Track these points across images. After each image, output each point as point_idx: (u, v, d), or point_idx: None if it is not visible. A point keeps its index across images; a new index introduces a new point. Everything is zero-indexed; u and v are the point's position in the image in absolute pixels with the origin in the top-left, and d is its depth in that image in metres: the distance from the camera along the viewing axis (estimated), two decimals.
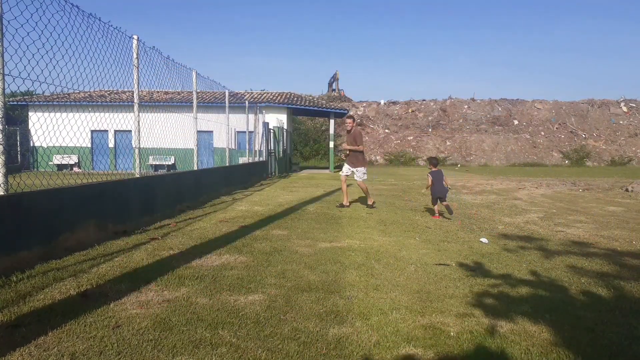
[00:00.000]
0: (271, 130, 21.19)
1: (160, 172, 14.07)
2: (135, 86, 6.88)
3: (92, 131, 20.68)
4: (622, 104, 40.44)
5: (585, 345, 2.84)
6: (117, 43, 6.40)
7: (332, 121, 26.17)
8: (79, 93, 20.47)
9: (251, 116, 16.87)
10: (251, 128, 16.95)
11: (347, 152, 9.53)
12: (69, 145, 18.74)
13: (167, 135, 8.84)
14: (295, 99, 26.60)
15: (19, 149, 21.73)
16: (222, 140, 14.38)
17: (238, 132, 16.50)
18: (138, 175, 7.11)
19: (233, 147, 15.62)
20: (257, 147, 18.05)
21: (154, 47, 7.59)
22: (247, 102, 16.35)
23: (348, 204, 9.27)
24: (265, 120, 20.47)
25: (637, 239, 6.21)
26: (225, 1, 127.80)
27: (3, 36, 4.26)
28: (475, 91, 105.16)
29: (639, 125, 38.64)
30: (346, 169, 9.50)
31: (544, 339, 2.89)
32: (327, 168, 27.18)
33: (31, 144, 20.57)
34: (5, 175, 4.37)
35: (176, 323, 3.10)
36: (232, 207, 9.10)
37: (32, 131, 17.99)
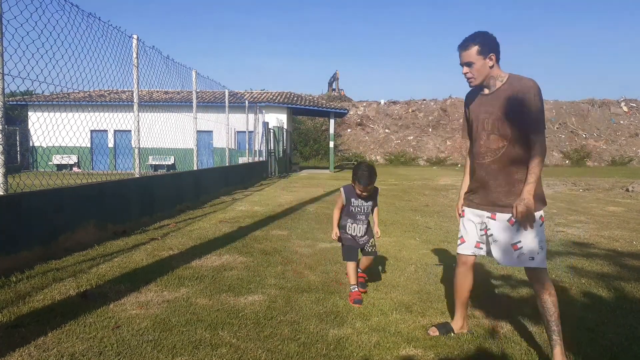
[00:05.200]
0: (271, 130, 21.18)
1: (160, 172, 14.08)
2: (135, 86, 6.88)
3: (92, 131, 20.68)
4: (623, 104, 40.44)
5: (585, 345, 2.84)
6: (117, 42, 6.40)
7: (332, 121, 26.15)
8: (78, 93, 20.46)
9: (251, 116, 16.87)
10: (251, 128, 16.94)
11: None
12: (68, 145, 18.74)
13: (166, 135, 8.84)
14: (295, 98, 26.60)
15: (18, 149, 21.72)
16: (221, 140, 14.38)
17: (238, 132, 16.51)
18: (138, 175, 7.11)
19: (233, 147, 15.62)
20: (256, 147, 18.05)
21: (153, 46, 7.60)
22: (247, 101, 16.35)
23: None
24: (265, 120, 20.47)
25: (637, 239, 6.20)
26: (226, 1, 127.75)
27: (3, 36, 4.25)
28: None
29: (639, 125, 38.63)
30: None
31: (545, 339, 2.88)
32: (327, 168, 27.17)
33: (31, 144, 20.56)
34: (5, 175, 4.37)
35: (176, 324, 3.09)
36: (232, 207, 9.09)
37: (32, 131, 17.99)
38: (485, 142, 2.74)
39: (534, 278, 2.69)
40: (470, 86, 2.83)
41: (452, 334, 3.00)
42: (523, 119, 2.61)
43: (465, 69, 2.74)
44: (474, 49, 2.68)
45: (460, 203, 3.02)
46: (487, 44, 2.68)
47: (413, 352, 2.75)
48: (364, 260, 3.85)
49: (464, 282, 2.96)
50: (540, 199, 2.68)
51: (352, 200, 3.66)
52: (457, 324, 3.04)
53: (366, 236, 3.77)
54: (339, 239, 3.77)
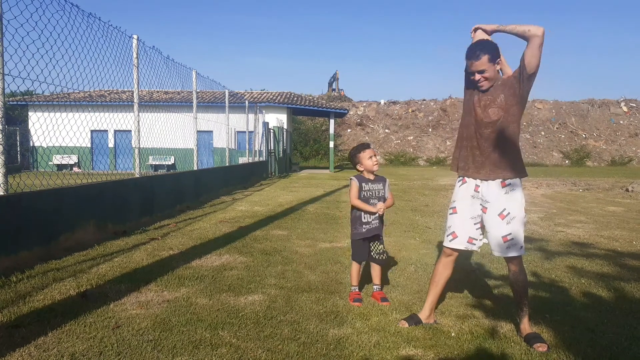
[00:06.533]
0: (271, 130, 21.19)
1: (160, 172, 14.08)
2: (135, 86, 6.88)
3: (92, 131, 20.67)
4: (622, 104, 40.43)
5: (585, 345, 2.84)
6: (117, 43, 6.41)
7: (332, 121, 26.15)
8: (78, 93, 20.46)
9: (251, 116, 16.87)
10: (251, 128, 16.94)
11: None
12: (68, 145, 18.76)
13: (167, 135, 8.85)
14: (295, 98, 26.60)
15: (18, 149, 21.72)
16: (222, 140, 14.38)
17: (238, 132, 16.50)
18: (138, 175, 7.11)
19: (233, 147, 15.62)
20: (257, 147, 18.05)
21: (153, 46, 7.61)
22: (247, 102, 16.34)
23: None
24: (265, 120, 20.47)
25: (637, 239, 6.20)
26: (226, 1, 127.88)
27: (3, 36, 4.25)
28: None
29: (639, 125, 38.63)
30: None
31: (544, 339, 2.88)
32: (327, 168, 27.17)
33: (31, 144, 20.57)
34: (5, 175, 4.37)
35: (176, 323, 3.09)
36: (232, 207, 9.10)
37: (32, 131, 17.98)
38: (486, 117, 2.95)
39: (515, 262, 2.98)
40: (481, 90, 2.97)
41: (438, 325, 3.14)
42: (519, 84, 2.88)
43: (478, 76, 2.91)
44: (485, 57, 2.86)
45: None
46: (495, 51, 2.90)
47: (413, 352, 2.75)
48: (374, 272, 3.73)
49: (444, 271, 3.16)
50: (520, 170, 2.97)
51: (363, 185, 3.63)
52: (424, 313, 3.17)
53: (379, 222, 3.66)
54: (353, 233, 3.69)
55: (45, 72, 4.79)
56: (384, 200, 3.68)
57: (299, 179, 18.64)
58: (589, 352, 2.75)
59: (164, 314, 3.25)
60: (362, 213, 3.63)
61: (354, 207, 3.69)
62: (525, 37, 2.78)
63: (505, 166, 2.95)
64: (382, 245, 3.73)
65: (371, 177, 3.67)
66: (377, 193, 3.64)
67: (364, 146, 3.68)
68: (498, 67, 2.94)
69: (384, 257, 3.73)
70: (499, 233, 2.95)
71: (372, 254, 3.72)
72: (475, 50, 2.88)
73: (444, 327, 3.13)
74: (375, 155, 3.64)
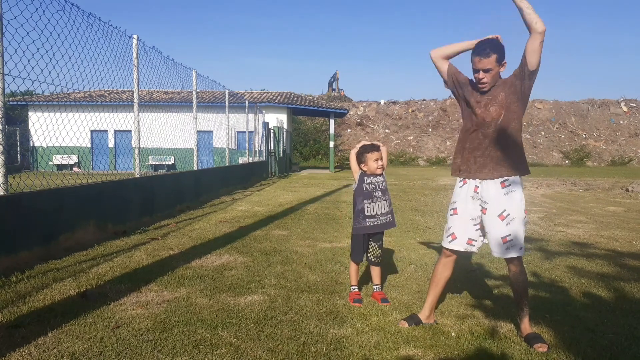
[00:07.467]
0: (271, 130, 21.19)
1: (160, 172, 14.08)
2: (135, 86, 6.88)
3: (92, 131, 20.67)
4: (622, 104, 40.42)
5: (585, 345, 2.84)
6: (117, 43, 6.41)
7: (332, 121, 26.16)
8: (78, 93, 20.46)
9: (251, 116, 16.87)
10: (251, 128, 16.94)
11: None
12: (68, 145, 18.76)
13: (167, 135, 8.85)
14: (295, 98, 26.60)
15: (18, 149, 21.73)
16: (222, 140, 14.38)
17: (238, 132, 16.51)
18: (138, 176, 7.11)
19: (233, 147, 15.62)
20: (257, 147, 18.05)
21: (153, 46, 7.62)
22: (247, 102, 16.34)
23: None
24: (265, 120, 20.47)
25: (637, 239, 6.20)
26: (225, 1, 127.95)
27: (3, 36, 4.25)
28: None
29: (639, 125, 38.62)
30: None
31: (545, 339, 2.88)
32: (327, 168, 27.17)
33: (31, 144, 20.57)
34: (5, 175, 4.37)
35: (176, 323, 3.09)
36: (232, 207, 9.10)
37: (32, 131, 17.97)
38: (488, 116, 2.96)
39: (515, 263, 2.98)
40: (482, 91, 2.97)
41: (438, 325, 3.14)
42: (521, 81, 2.90)
43: (482, 74, 2.89)
44: (494, 57, 2.86)
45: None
46: (503, 52, 2.90)
47: (413, 352, 2.75)
48: (374, 273, 3.74)
49: (444, 272, 3.17)
50: (522, 167, 2.97)
51: (365, 178, 3.64)
52: (424, 313, 3.17)
53: (389, 215, 3.67)
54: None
55: (45, 72, 4.80)
56: (387, 191, 3.69)
57: (299, 179, 18.64)
58: (589, 352, 2.75)
59: (164, 314, 3.25)
60: (366, 205, 3.62)
61: (355, 198, 3.68)
62: (530, 27, 2.77)
63: (508, 164, 2.94)
64: (380, 250, 3.73)
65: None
66: (379, 185, 3.65)
67: (374, 147, 3.62)
68: (502, 70, 2.93)
69: (380, 261, 3.74)
70: (498, 234, 2.94)
71: (368, 255, 3.73)
72: (486, 47, 2.86)
73: (444, 327, 3.13)
74: (381, 159, 3.61)
